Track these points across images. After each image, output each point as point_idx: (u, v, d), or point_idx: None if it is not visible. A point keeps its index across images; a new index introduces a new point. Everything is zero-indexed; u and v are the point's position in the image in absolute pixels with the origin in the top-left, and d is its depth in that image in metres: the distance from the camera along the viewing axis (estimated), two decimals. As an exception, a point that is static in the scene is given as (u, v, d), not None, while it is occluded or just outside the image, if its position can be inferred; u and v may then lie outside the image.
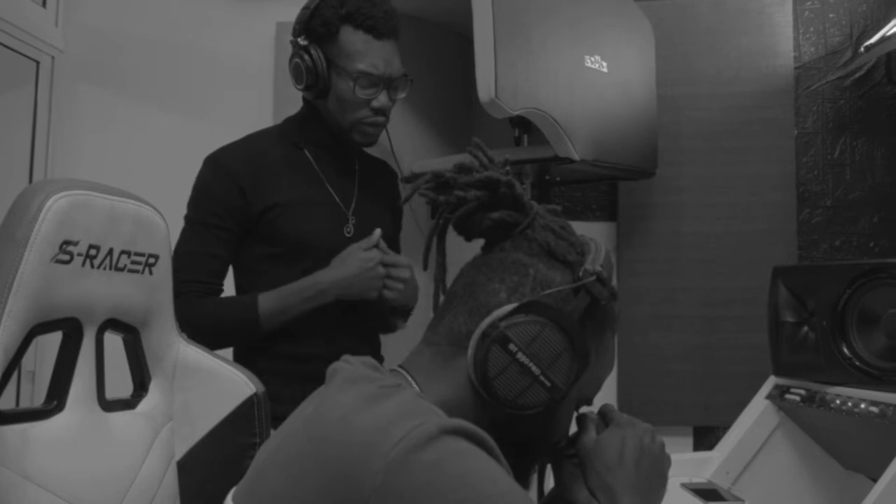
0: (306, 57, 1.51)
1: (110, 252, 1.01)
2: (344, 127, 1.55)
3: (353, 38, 1.51)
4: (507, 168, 0.86)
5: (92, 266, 0.98)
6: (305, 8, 1.55)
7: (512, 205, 0.84)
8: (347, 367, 0.79)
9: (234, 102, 2.43)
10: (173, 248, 1.40)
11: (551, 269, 0.81)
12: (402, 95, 1.58)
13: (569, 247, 0.83)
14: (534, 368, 0.77)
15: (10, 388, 2.30)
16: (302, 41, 1.53)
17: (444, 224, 0.86)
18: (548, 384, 0.77)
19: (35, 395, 2.25)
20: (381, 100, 1.53)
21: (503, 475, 0.69)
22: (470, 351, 0.79)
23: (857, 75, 2.23)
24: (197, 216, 1.54)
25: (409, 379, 0.81)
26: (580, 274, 0.81)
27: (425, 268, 0.92)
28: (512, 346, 0.76)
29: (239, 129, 2.41)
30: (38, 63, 2.41)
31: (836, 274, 1.50)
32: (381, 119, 1.56)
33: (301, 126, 1.62)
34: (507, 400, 0.77)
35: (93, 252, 0.98)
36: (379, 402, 0.71)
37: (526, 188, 1.87)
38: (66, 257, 0.94)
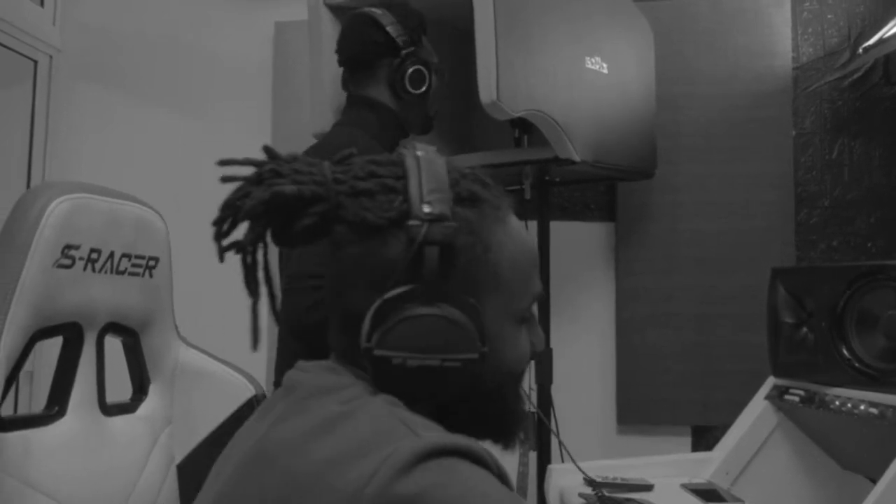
0: (426, 61, 1.63)
1: (111, 255, 1.01)
2: (431, 117, 1.69)
3: (426, 41, 1.66)
4: (270, 166, 0.71)
5: (93, 270, 0.98)
6: (392, 24, 1.61)
7: (305, 203, 0.70)
8: (305, 378, 0.73)
9: (233, 101, 2.42)
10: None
11: (386, 244, 0.70)
12: None
13: (387, 201, 0.70)
14: (431, 362, 0.67)
15: (9, 388, 2.29)
16: (410, 49, 1.62)
17: (254, 260, 0.73)
18: (457, 364, 0.68)
19: (33, 395, 2.24)
20: None
21: (492, 483, 0.63)
22: (372, 371, 0.70)
23: (854, 76, 2.23)
24: None
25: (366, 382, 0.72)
26: (409, 229, 0.68)
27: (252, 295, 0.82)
28: (396, 360, 0.67)
29: (237, 128, 2.42)
30: (35, 62, 2.40)
31: (835, 275, 1.50)
32: None
33: (386, 128, 1.64)
34: (437, 398, 0.70)
35: (94, 256, 0.98)
36: (341, 425, 0.65)
37: (525, 186, 1.87)
38: (68, 262, 0.94)
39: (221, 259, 0.72)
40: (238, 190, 0.71)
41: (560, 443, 1.45)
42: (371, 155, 0.75)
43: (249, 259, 0.72)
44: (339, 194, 0.70)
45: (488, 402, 0.75)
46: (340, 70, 1.70)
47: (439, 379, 0.69)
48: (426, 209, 0.68)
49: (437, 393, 0.70)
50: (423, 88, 1.62)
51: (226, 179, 0.72)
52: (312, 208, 0.70)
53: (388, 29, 1.60)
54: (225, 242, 0.72)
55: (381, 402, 0.68)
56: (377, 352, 0.67)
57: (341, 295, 0.73)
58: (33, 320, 0.90)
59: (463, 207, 0.71)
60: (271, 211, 0.70)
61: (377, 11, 1.62)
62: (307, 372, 0.74)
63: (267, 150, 0.73)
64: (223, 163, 0.72)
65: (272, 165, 0.71)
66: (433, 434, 0.64)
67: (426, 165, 0.71)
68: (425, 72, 1.62)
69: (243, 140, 2.38)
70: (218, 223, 0.72)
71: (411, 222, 0.68)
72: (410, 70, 1.61)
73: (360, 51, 1.62)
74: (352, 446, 0.63)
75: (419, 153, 0.72)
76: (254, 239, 0.71)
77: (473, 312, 0.69)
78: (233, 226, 0.72)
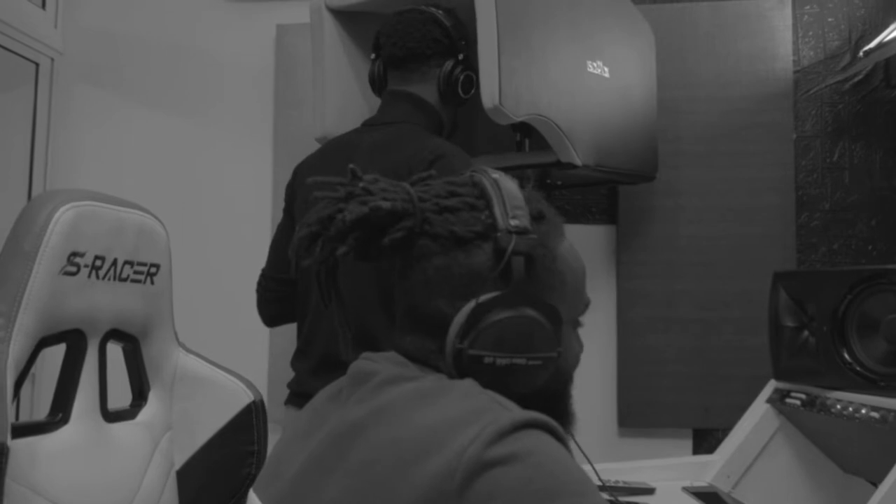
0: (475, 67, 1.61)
1: (114, 262, 1.01)
2: (457, 125, 1.70)
3: None
4: (362, 184, 0.78)
5: (97, 277, 0.98)
6: (451, 27, 1.62)
7: (393, 218, 0.77)
8: (381, 368, 0.77)
9: (235, 105, 2.42)
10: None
11: (471, 255, 0.76)
12: None
13: (472, 217, 0.77)
14: (518, 361, 0.74)
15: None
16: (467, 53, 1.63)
17: (329, 271, 0.81)
18: (539, 362, 0.75)
19: (35, 397, 2.25)
20: None
21: (570, 458, 0.69)
22: (451, 372, 0.76)
23: (855, 79, 2.23)
24: None
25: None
26: (498, 240, 0.75)
27: (326, 305, 0.85)
28: (487, 359, 0.74)
29: (239, 131, 2.42)
30: (37, 65, 2.40)
31: (836, 279, 1.50)
32: None
33: (429, 128, 1.64)
34: (516, 394, 0.75)
35: (98, 263, 0.98)
36: (438, 399, 0.70)
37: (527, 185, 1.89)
38: (74, 269, 0.94)
39: (318, 279, 0.80)
40: (327, 206, 0.77)
41: (576, 444, 1.45)
42: (449, 177, 0.82)
43: (324, 271, 0.80)
44: (425, 211, 0.77)
45: (549, 401, 0.81)
46: (363, 66, 1.74)
47: (523, 376, 0.76)
48: (513, 222, 0.76)
49: (519, 389, 0.75)
50: (471, 93, 1.63)
51: (318, 198, 0.78)
52: (401, 223, 0.76)
53: (451, 30, 1.61)
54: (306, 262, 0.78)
55: (469, 384, 0.74)
56: (472, 351, 0.73)
57: (425, 302, 0.77)
58: (40, 327, 0.91)
59: (535, 223, 0.79)
60: (365, 225, 0.76)
61: (437, 11, 1.62)
62: (378, 362, 0.79)
63: (352, 171, 0.79)
64: (314, 181, 0.79)
65: (363, 184, 0.77)
66: (524, 411, 0.70)
67: (504, 186, 0.79)
68: (474, 77, 1.62)
69: (245, 143, 2.41)
70: (309, 238, 0.78)
71: (500, 234, 0.75)
72: (464, 75, 1.62)
73: (418, 47, 1.60)
74: (455, 415, 0.68)
75: (495, 176, 0.80)
76: (346, 251, 0.76)
77: (554, 316, 0.76)
78: (317, 240, 0.78)
